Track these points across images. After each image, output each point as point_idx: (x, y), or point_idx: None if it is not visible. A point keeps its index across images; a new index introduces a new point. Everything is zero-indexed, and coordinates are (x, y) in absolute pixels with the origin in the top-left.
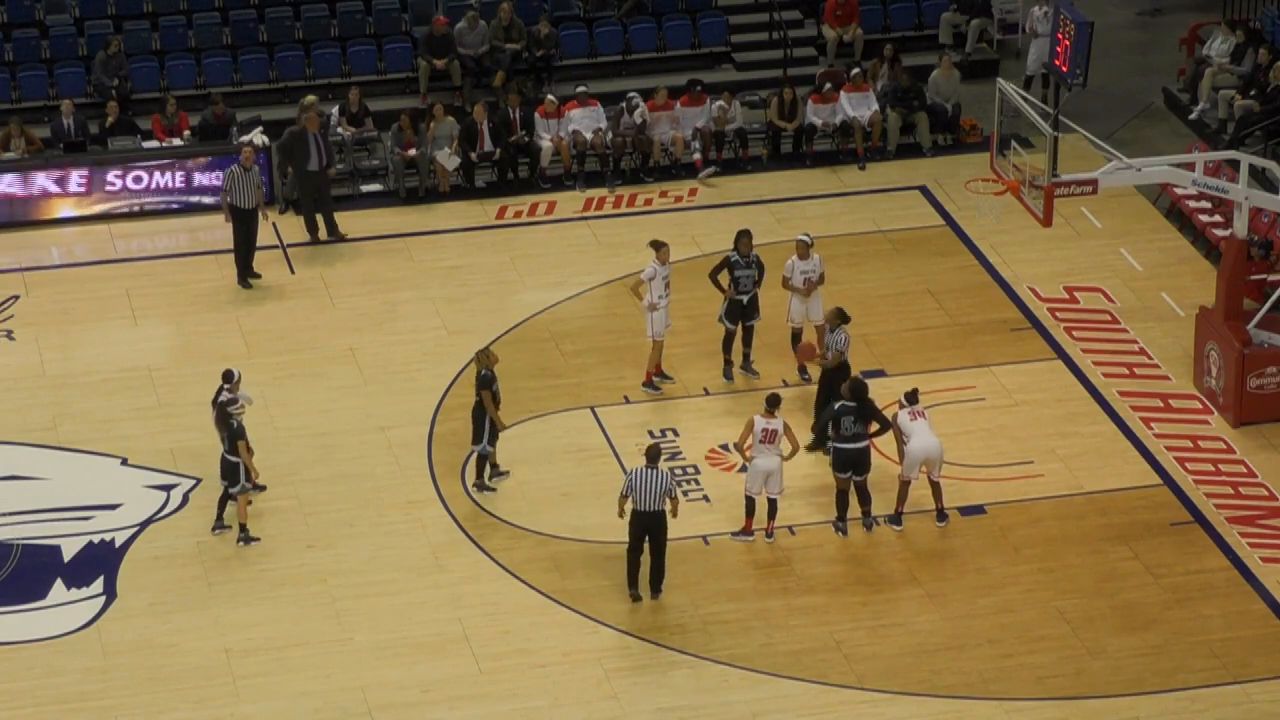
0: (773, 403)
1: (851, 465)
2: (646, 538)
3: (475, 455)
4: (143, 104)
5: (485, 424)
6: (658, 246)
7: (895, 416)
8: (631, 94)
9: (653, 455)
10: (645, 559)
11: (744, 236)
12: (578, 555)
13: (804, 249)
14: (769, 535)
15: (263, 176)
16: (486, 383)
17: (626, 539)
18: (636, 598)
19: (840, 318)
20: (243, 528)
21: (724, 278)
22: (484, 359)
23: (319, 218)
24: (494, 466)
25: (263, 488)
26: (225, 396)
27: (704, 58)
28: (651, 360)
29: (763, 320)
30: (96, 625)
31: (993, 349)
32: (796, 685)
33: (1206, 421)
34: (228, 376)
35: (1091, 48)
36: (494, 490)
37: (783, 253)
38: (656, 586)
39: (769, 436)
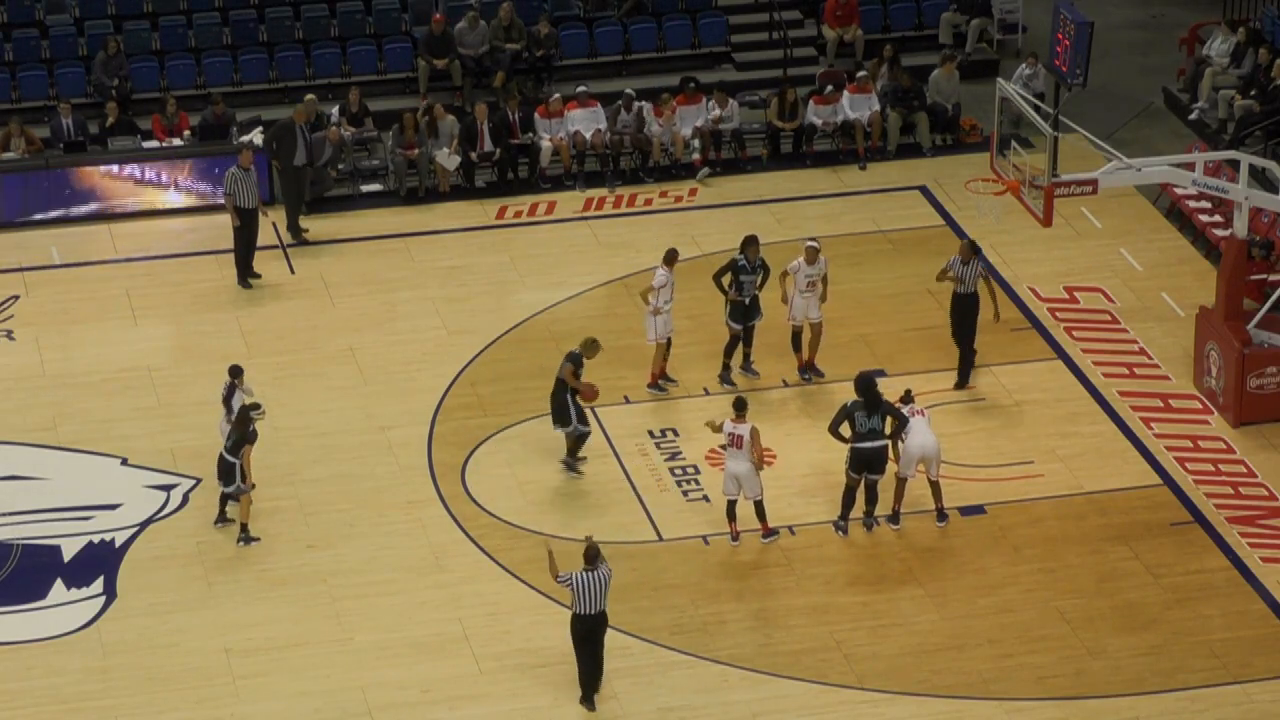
0: (739, 407)
1: (867, 465)
2: (586, 642)
3: (570, 436)
4: (143, 104)
5: (570, 406)
6: (673, 258)
7: None
8: (627, 91)
9: (591, 556)
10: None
11: (751, 243)
12: (578, 555)
13: (813, 254)
14: (764, 536)
15: (261, 176)
16: (576, 360)
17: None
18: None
19: (973, 250)
20: (243, 527)
21: (727, 280)
22: (589, 349)
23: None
24: (573, 452)
25: (252, 486)
26: (246, 400)
27: (704, 58)
28: (656, 362)
29: (763, 320)
30: (96, 625)
31: (993, 349)
32: (796, 685)
33: (1206, 421)
34: (236, 372)
35: (1091, 48)
36: (580, 474)
37: (782, 253)
38: (590, 694)
39: (736, 441)
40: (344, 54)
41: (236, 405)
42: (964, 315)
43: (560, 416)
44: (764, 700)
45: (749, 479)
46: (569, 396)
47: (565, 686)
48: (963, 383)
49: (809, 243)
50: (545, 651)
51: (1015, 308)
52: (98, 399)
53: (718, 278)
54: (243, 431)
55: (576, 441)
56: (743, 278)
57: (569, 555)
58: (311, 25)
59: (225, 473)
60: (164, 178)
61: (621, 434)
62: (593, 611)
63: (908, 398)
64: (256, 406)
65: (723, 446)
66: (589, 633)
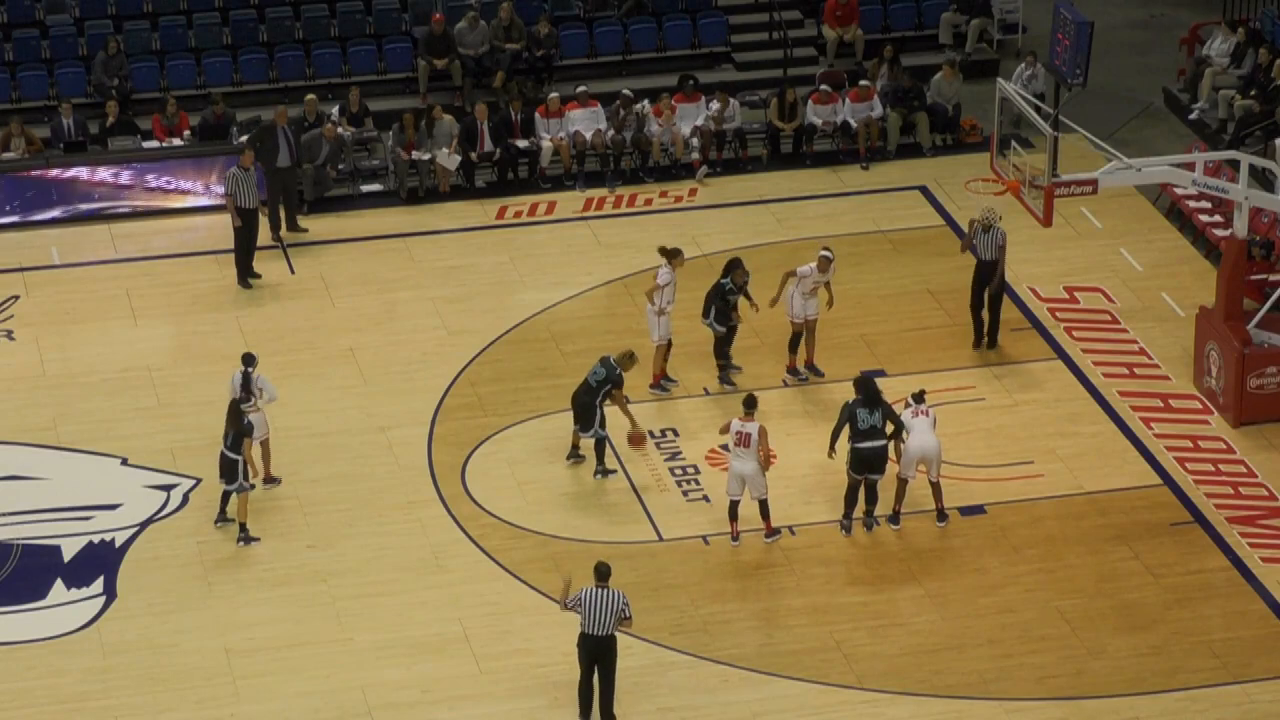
0: (749, 404)
1: (868, 466)
2: (595, 664)
3: (593, 441)
4: (143, 104)
5: (597, 411)
6: (675, 254)
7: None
8: (625, 91)
9: (602, 573)
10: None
11: (737, 266)
12: (578, 555)
13: (825, 263)
14: (767, 536)
15: (261, 177)
16: (619, 382)
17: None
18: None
19: (992, 218)
20: (242, 527)
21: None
22: (626, 362)
23: (281, 211)
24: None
25: (251, 487)
26: (240, 393)
27: (704, 58)
28: (657, 363)
29: (758, 320)
30: (96, 625)
31: (993, 349)
32: (796, 685)
33: (1206, 421)
34: (249, 360)
35: (1091, 48)
36: (614, 471)
37: (783, 253)
38: (608, 714)
39: (743, 440)
40: (344, 54)
41: (256, 392)
42: (978, 282)
43: (585, 420)
44: (764, 700)
45: (754, 479)
46: (599, 402)
47: (565, 687)
48: (992, 343)
49: (823, 251)
50: (545, 651)
51: (1015, 308)
52: (98, 399)
53: (711, 304)
54: (238, 426)
55: (599, 446)
56: (730, 298)
57: (570, 556)
58: (311, 25)
59: (227, 470)
60: (164, 178)
61: (622, 434)
62: (600, 633)
63: (920, 397)
64: (248, 399)
65: (724, 447)
66: (596, 655)
